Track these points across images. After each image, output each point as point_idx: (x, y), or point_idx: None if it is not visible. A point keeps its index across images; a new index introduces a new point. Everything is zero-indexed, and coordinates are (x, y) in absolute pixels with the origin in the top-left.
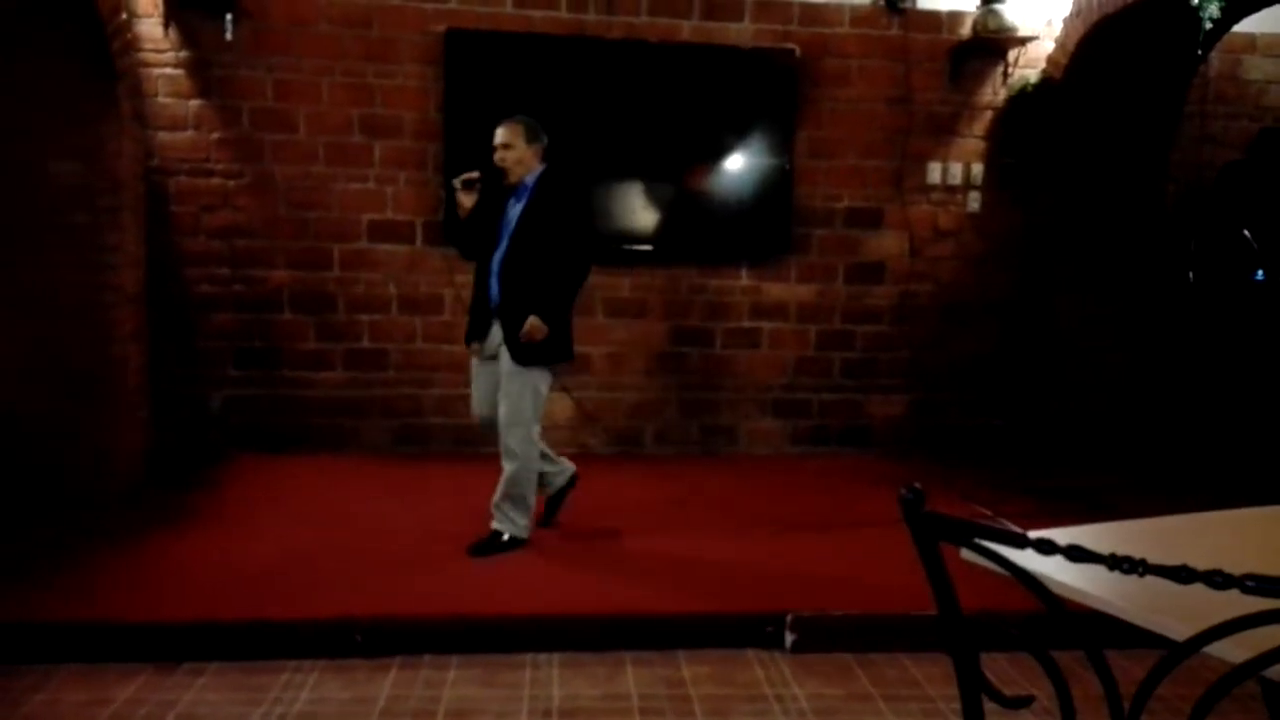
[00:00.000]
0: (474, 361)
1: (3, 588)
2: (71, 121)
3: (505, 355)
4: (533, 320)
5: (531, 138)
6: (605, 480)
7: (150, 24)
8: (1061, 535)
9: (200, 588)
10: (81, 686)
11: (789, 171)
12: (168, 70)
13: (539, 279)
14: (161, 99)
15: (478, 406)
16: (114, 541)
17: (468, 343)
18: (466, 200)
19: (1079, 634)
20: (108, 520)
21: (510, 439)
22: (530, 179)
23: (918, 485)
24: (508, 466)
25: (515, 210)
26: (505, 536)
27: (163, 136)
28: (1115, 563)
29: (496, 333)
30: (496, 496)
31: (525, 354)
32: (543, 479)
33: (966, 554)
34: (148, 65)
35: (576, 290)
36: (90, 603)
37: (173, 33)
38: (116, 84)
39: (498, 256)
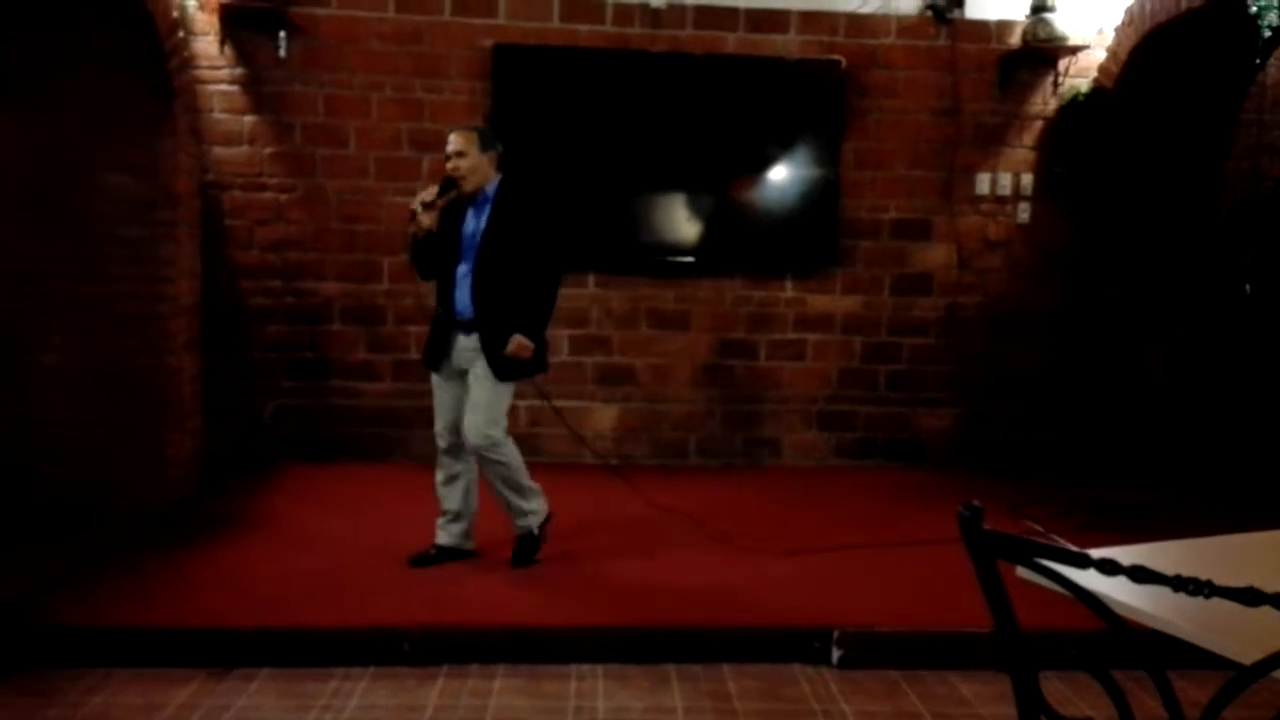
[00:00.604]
0: (436, 379)
1: (62, 593)
2: (129, 137)
3: (480, 367)
4: (519, 339)
5: (486, 145)
6: (649, 492)
7: (207, 41)
8: (1122, 554)
9: (251, 594)
10: (137, 690)
11: (835, 183)
12: (223, 86)
13: (515, 292)
14: (217, 115)
15: (444, 428)
16: (168, 548)
17: (432, 366)
18: (426, 220)
19: (1140, 654)
20: (162, 527)
21: (484, 442)
22: (490, 189)
23: (976, 503)
24: (493, 472)
25: (477, 222)
26: (535, 529)
27: (218, 151)
28: (1181, 584)
29: (464, 347)
30: (506, 504)
31: (506, 369)
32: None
33: (1023, 572)
34: (204, 82)
35: (555, 303)
36: (145, 608)
37: (228, 50)
38: (173, 101)
39: (463, 270)
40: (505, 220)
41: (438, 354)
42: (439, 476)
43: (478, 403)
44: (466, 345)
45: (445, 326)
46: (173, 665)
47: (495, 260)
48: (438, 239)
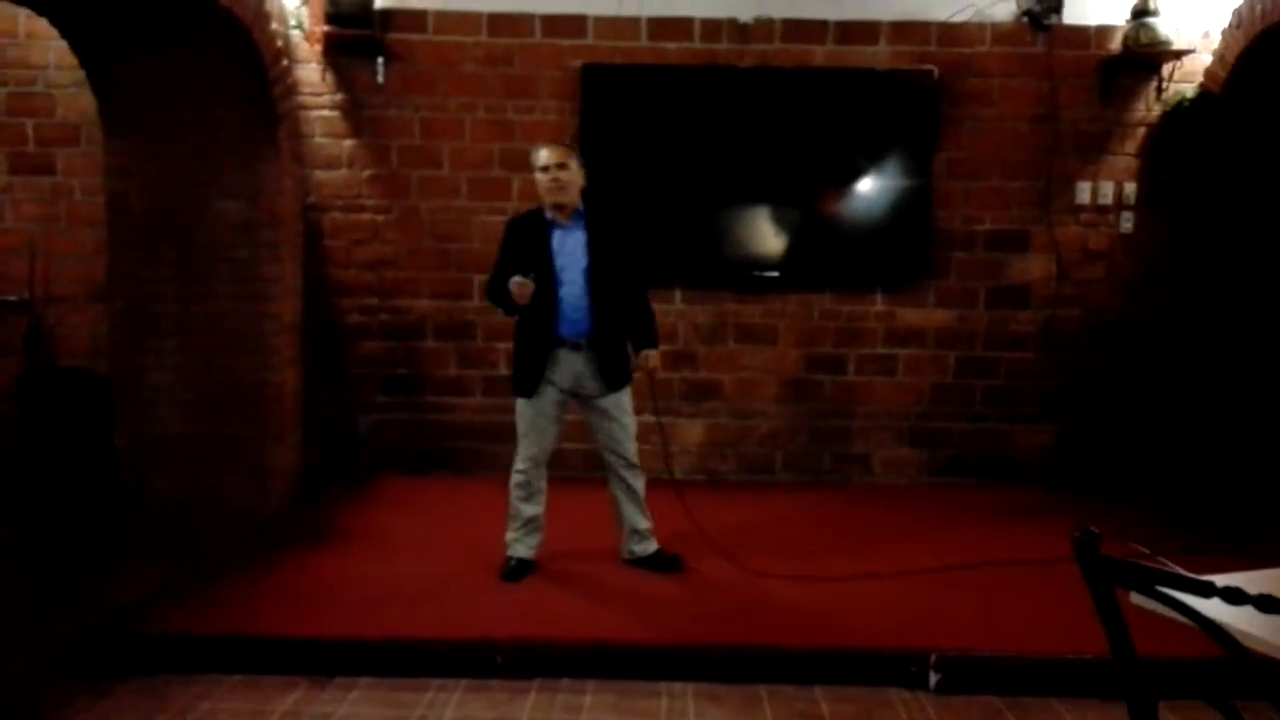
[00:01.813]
0: (532, 405)
1: (172, 601)
2: (237, 162)
3: (599, 388)
4: (654, 355)
5: (581, 161)
6: (739, 509)
7: (309, 69)
8: (1242, 581)
9: (350, 604)
10: (243, 696)
11: (928, 194)
12: (324, 112)
13: (624, 308)
14: (318, 139)
15: (540, 452)
16: (270, 558)
17: (528, 393)
18: (524, 297)
19: (1262, 684)
20: (264, 538)
21: (632, 456)
22: (581, 206)
23: (1093, 528)
24: (639, 486)
25: (572, 239)
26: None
27: (319, 175)
28: None
29: (572, 368)
30: (639, 516)
31: (620, 379)
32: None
33: (1138, 598)
34: (306, 108)
35: None
36: (250, 617)
37: (329, 77)
38: (278, 127)
39: (570, 291)
40: (606, 238)
41: (536, 378)
42: (521, 493)
43: (621, 422)
44: (576, 366)
45: (546, 349)
46: (276, 672)
47: (607, 280)
48: (522, 263)
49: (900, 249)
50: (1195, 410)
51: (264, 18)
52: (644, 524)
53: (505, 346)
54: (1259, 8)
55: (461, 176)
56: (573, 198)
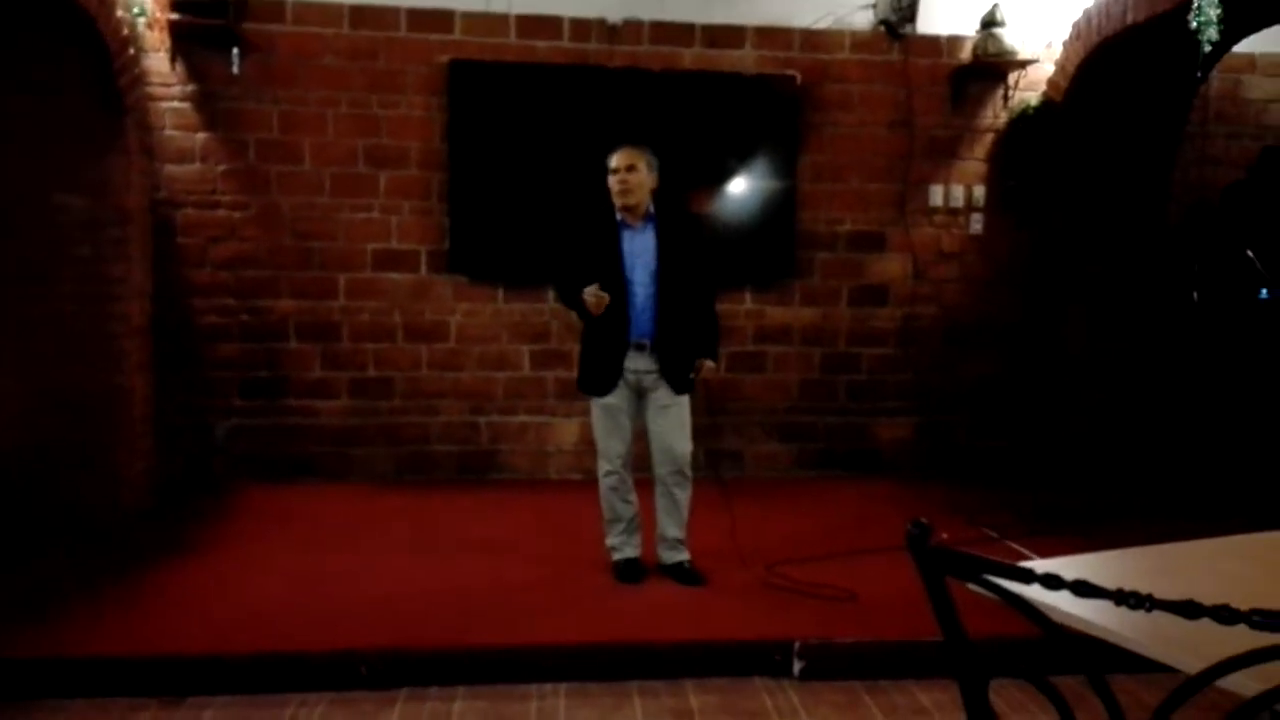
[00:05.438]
0: (606, 404)
1: (15, 622)
2: (79, 155)
3: (665, 390)
4: (710, 365)
5: (652, 164)
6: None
7: (158, 58)
8: (1068, 566)
9: (205, 620)
10: None
11: (792, 196)
12: (175, 104)
13: (691, 314)
14: (169, 132)
15: (626, 449)
16: (120, 572)
17: (601, 392)
18: (600, 308)
19: (1080, 660)
20: (114, 550)
21: (686, 464)
22: (651, 208)
23: (923, 519)
24: (686, 492)
25: (642, 241)
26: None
27: (170, 169)
28: (1122, 598)
29: (640, 368)
30: (679, 528)
31: (686, 383)
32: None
33: (972, 586)
34: (155, 99)
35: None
36: (98, 636)
37: (180, 67)
38: (124, 118)
39: (639, 293)
40: (677, 242)
41: (609, 378)
42: (615, 495)
43: (681, 423)
44: (642, 366)
45: (616, 348)
46: (125, 694)
47: (675, 283)
48: (590, 262)
49: (767, 249)
50: (1044, 403)
51: (109, 4)
52: (673, 533)
53: (374, 347)
54: (1095, 21)
55: (324, 172)
56: (641, 199)
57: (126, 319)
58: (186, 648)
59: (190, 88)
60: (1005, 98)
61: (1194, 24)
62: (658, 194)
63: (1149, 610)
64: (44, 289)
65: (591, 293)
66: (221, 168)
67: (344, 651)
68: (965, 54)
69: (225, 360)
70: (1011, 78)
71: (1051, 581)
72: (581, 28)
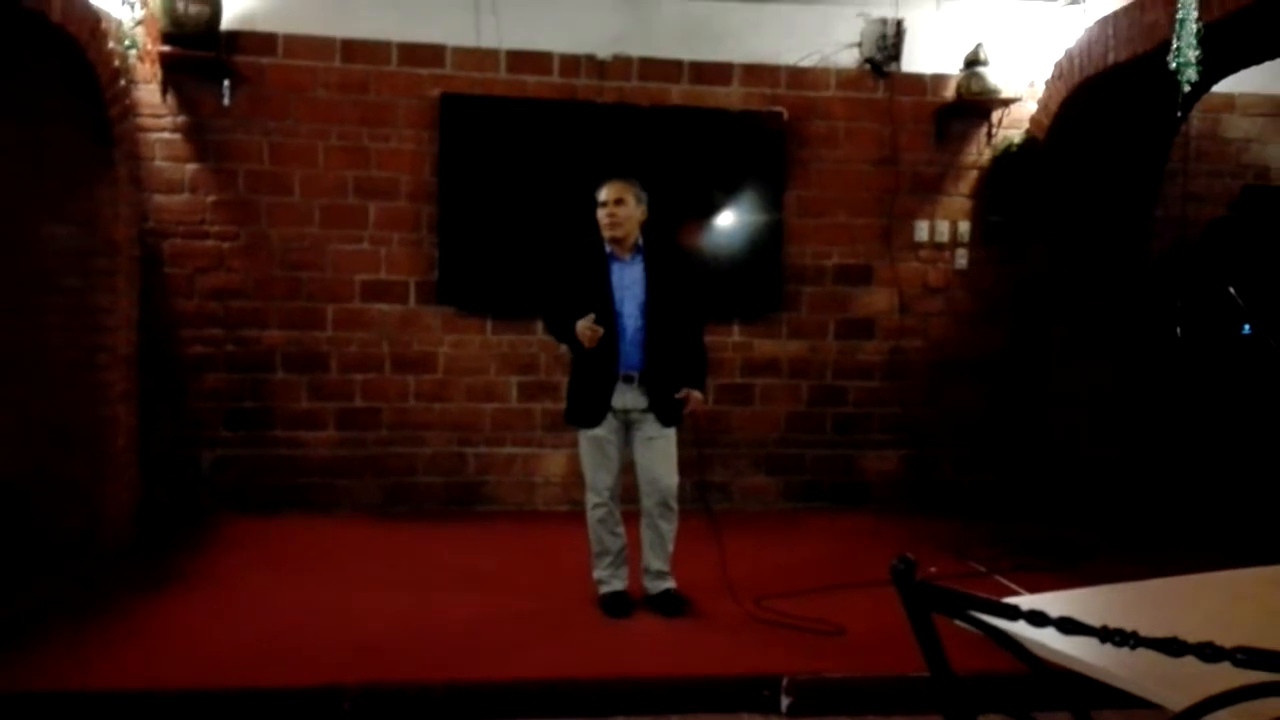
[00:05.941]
0: (595, 435)
1: None
2: (68, 185)
3: (652, 422)
4: (698, 395)
5: (641, 197)
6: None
7: (149, 90)
8: (1054, 602)
9: (188, 654)
10: None
11: (779, 230)
12: (165, 135)
13: (679, 346)
14: (158, 163)
15: (615, 481)
16: (103, 605)
17: (590, 423)
18: (594, 341)
19: (1065, 696)
20: (97, 582)
21: (672, 497)
22: (640, 240)
23: (909, 555)
24: (671, 523)
25: (631, 274)
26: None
27: (159, 199)
28: (1107, 635)
29: (628, 400)
30: (663, 560)
31: (673, 416)
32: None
33: (958, 621)
34: (145, 130)
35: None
36: (79, 670)
37: (170, 98)
38: (114, 149)
39: (628, 325)
40: (665, 275)
41: (598, 409)
42: (603, 528)
43: (668, 456)
44: (630, 398)
45: (605, 380)
46: None
47: (663, 315)
48: (579, 294)
49: (755, 282)
50: (1031, 436)
51: (101, 36)
52: (658, 565)
53: (361, 378)
54: (1077, 61)
55: (314, 204)
56: (630, 232)
57: (113, 349)
58: (169, 682)
59: (181, 119)
60: (989, 135)
61: (1173, 65)
62: (646, 227)
63: (1134, 647)
64: (29, 318)
65: (586, 325)
66: (211, 198)
67: (327, 687)
68: (949, 92)
69: (211, 391)
70: (995, 115)
71: (1036, 618)
72: (571, 63)
